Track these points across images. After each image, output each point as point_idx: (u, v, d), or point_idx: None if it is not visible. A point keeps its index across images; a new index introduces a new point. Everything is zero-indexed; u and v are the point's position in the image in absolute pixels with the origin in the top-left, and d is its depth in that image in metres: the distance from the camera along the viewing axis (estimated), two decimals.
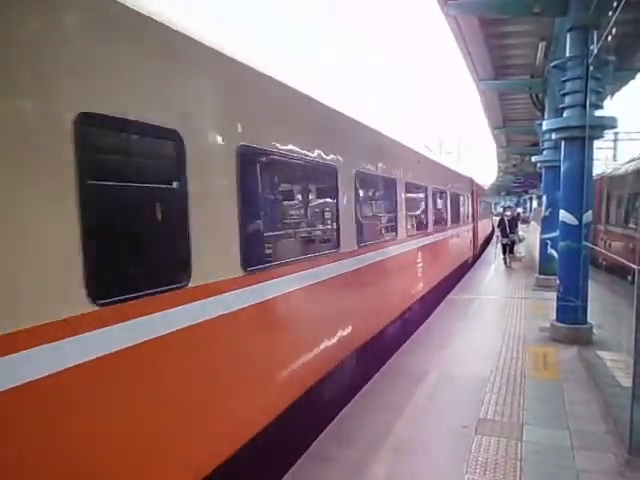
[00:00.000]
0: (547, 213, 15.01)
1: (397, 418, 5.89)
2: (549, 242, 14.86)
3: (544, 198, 15.61)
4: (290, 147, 5.15)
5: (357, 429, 5.64)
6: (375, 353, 7.93)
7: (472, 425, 5.67)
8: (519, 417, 5.88)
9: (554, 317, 9.36)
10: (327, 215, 6.79)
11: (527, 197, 69.43)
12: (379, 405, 6.30)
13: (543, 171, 15.89)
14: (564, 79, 8.92)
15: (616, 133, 39.51)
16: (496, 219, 26.08)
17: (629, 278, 5.72)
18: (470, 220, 20.08)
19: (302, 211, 6.46)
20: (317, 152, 5.75)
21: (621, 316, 7.78)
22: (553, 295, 9.88)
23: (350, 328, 6.77)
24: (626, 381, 6.38)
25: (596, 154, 11.46)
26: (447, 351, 8.59)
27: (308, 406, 5.51)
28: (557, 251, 10.05)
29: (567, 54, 8.92)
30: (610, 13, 7.47)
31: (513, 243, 21.01)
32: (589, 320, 9.01)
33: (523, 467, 4.76)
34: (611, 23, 7.53)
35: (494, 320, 10.99)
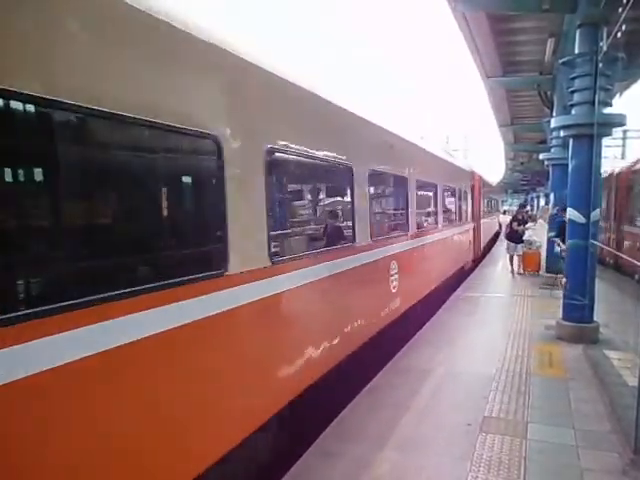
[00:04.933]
0: (555, 211, 14.93)
1: (401, 415, 5.90)
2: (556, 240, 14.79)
3: (552, 196, 15.55)
4: None
5: (361, 425, 5.65)
6: (381, 349, 7.93)
7: (477, 423, 5.67)
8: (524, 415, 5.87)
9: (560, 315, 9.33)
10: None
11: (534, 195, 69.08)
12: (383, 402, 6.31)
13: (551, 169, 15.83)
14: (573, 76, 8.84)
15: (625, 131, 39.31)
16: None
17: (636, 277, 5.68)
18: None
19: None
20: None
21: (628, 315, 7.76)
22: (559, 293, 9.84)
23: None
24: (632, 380, 6.36)
25: (604, 152, 11.40)
26: (452, 348, 8.58)
27: (312, 402, 5.52)
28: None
29: (576, 51, 8.84)
30: (620, 9, 7.40)
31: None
32: (595, 319, 8.98)
33: (527, 465, 4.75)
34: (621, 19, 7.45)
35: (500, 318, 10.96)
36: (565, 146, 11.63)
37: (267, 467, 4.84)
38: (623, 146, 41.33)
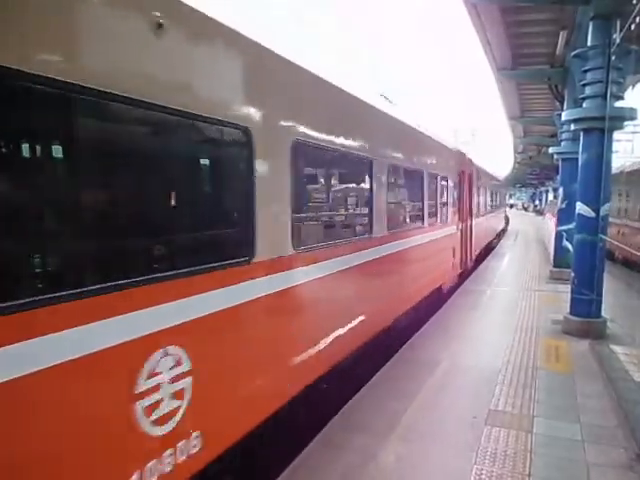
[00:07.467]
0: (563, 205, 14.87)
1: (407, 407, 5.91)
2: (564, 234, 14.75)
3: (560, 190, 15.45)
4: None
5: (367, 417, 5.67)
6: (387, 342, 7.93)
7: (482, 416, 5.68)
8: (530, 409, 5.87)
9: (567, 310, 9.30)
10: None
11: (543, 189, 68.70)
12: (389, 394, 6.32)
13: (560, 163, 15.72)
14: (585, 69, 8.76)
15: (634, 125, 38.83)
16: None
17: None
18: None
19: None
20: None
21: (636, 310, 7.72)
22: (567, 288, 9.80)
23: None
24: (638, 376, 6.35)
25: (615, 146, 11.32)
26: (459, 342, 8.58)
27: (318, 393, 5.54)
28: (572, 243, 9.97)
29: (589, 43, 8.76)
30: (634, 1, 7.31)
31: None
32: (603, 314, 8.94)
33: (533, 459, 4.76)
34: (635, 12, 7.36)
35: (507, 312, 10.93)
36: (575, 140, 11.52)
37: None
38: (632, 140, 40.90)
